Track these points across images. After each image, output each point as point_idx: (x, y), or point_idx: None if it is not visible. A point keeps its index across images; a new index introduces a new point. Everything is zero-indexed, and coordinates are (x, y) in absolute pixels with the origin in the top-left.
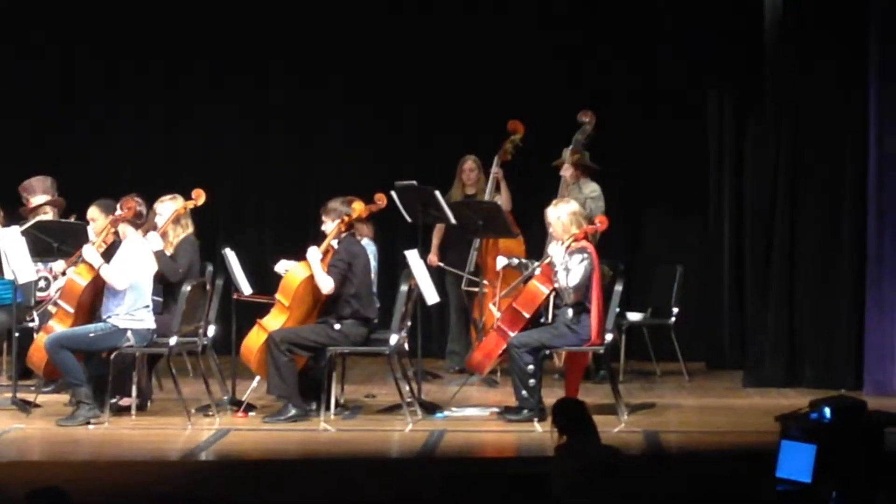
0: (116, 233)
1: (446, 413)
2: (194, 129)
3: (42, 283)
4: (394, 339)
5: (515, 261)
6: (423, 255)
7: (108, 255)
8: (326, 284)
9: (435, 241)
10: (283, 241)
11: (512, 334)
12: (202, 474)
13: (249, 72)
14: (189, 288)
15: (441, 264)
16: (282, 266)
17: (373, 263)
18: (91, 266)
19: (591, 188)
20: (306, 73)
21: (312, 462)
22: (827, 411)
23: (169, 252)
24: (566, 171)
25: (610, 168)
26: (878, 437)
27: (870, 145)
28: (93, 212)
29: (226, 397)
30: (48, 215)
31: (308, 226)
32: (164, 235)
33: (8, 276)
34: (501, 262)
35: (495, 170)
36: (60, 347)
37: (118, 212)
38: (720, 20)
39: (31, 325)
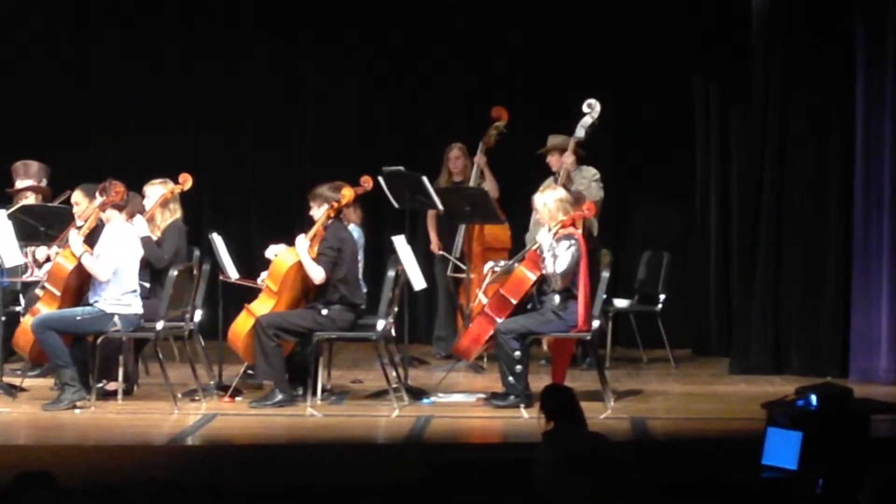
0: (101, 217)
1: (433, 399)
2: (179, 115)
3: (21, 267)
4: (381, 324)
5: (502, 263)
6: (410, 240)
7: (92, 238)
8: (318, 274)
9: (431, 228)
10: (270, 225)
11: (499, 320)
12: (188, 459)
13: (235, 57)
14: (176, 273)
15: (444, 253)
16: (272, 251)
17: (359, 249)
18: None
19: (592, 172)
20: (291, 59)
21: (299, 447)
22: (813, 398)
23: (156, 236)
24: (567, 159)
25: (596, 154)
26: (864, 424)
27: (856, 134)
28: (77, 196)
29: (212, 382)
30: (29, 200)
31: (294, 210)
32: (151, 219)
33: None
34: (488, 266)
35: (479, 157)
36: (47, 328)
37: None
38: (707, 6)
39: (17, 308)
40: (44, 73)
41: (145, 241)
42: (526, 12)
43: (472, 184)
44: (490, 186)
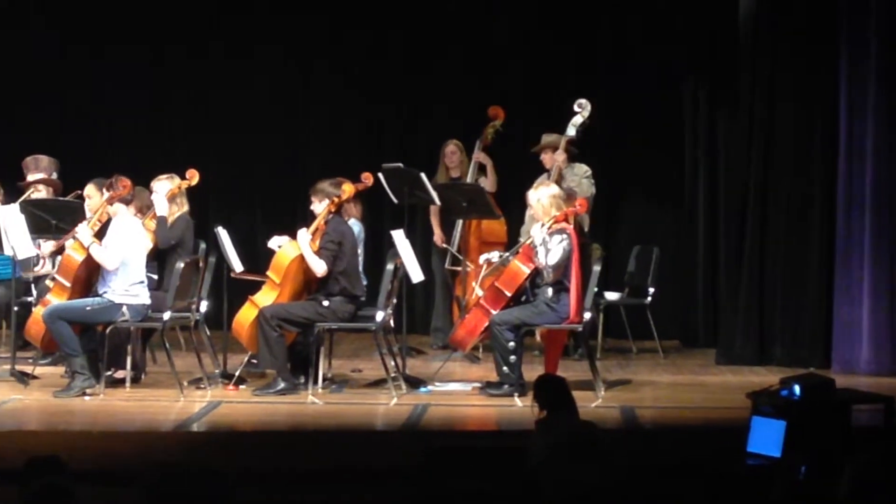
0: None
1: (430, 387)
2: (185, 110)
3: (34, 259)
4: (380, 315)
5: (496, 255)
6: (409, 235)
7: (102, 233)
8: (319, 267)
9: (435, 222)
10: (273, 220)
11: (494, 312)
12: (194, 444)
13: (240, 53)
14: (182, 265)
15: (447, 245)
16: (275, 242)
17: (360, 243)
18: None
19: (584, 169)
20: (295, 55)
21: (300, 433)
22: (797, 389)
23: None
24: (559, 157)
25: (589, 152)
26: (846, 413)
27: (840, 133)
28: (89, 189)
29: (217, 371)
30: (41, 193)
31: (297, 205)
32: None
33: (7, 251)
34: (483, 258)
35: (477, 154)
36: (57, 318)
37: (108, 191)
38: (695, 9)
39: (29, 299)
40: (56, 71)
41: (160, 220)
42: (523, 15)
43: (469, 180)
44: (490, 182)
